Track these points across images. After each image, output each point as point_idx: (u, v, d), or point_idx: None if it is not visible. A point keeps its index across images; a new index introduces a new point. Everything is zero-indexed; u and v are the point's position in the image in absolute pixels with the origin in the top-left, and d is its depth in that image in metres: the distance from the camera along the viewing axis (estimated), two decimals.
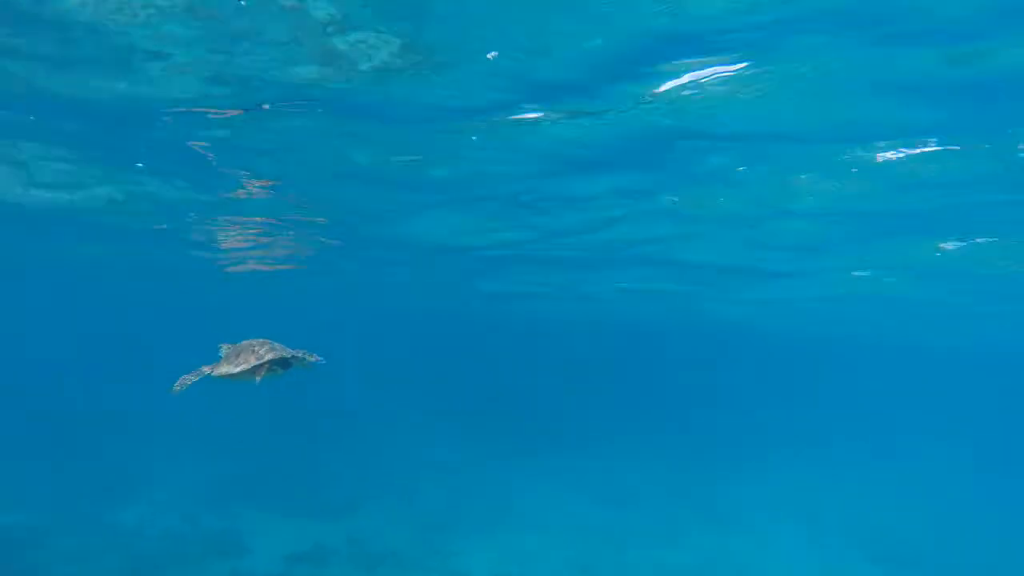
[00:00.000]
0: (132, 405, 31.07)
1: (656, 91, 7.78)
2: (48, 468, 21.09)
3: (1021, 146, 8.71)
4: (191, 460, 22.96)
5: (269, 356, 6.05)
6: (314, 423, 33.54)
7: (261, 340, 6.33)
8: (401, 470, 24.60)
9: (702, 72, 7.29)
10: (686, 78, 7.42)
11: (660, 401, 69.96)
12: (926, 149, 9.03)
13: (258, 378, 6.13)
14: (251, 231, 17.65)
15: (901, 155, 9.30)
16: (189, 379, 6.03)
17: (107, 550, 14.61)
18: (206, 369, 6.16)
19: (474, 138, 9.81)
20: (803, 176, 10.68)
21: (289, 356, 6.15)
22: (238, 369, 6.10)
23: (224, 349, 6.33)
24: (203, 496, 18.48)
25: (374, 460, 25.77)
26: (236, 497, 18.59)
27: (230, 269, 23.59)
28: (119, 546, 14.88)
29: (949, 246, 14.43)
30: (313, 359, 6.28)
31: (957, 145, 8.82)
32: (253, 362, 6.06)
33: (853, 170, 10.08)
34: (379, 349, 62.29)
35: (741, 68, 7.13)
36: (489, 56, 7.15)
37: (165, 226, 17.01)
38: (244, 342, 6.37)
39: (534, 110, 8.70)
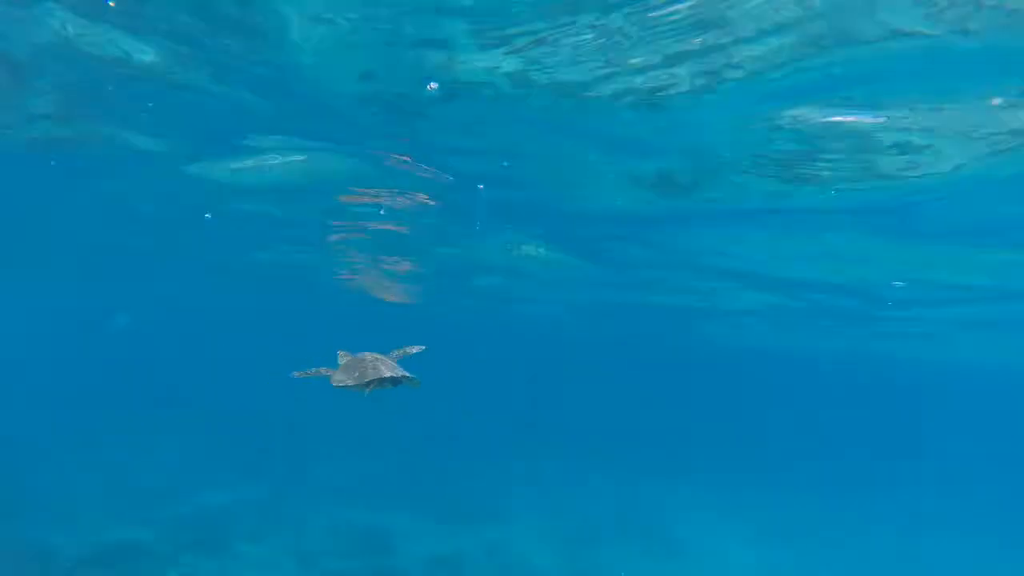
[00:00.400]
0: (300, 409, 34.47)
1: None
2: (240, 459, 23.95)
3: None
4: (348, 460, 24.76)
5: (379, 375, 6.24)
6: (465, 432, 34.69)
7: (375, 355, 6.54)
8: (548, 484, 24.58)
9: None
10: None
11: (826, 437, 63.36)
12: None
13: (367, 391, 6.38)
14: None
15: None
16: (313, 371, 6.50)
17: (279, 535, 16.18)
18: (325, 371, 6.56)
19: None
20: None
21: (399, 376, 6.31)
22: (351, 382, 6.38)
23: (342, 358, 6.68)
24: (359, 493, 19.85)
25: (522, 472, 26.00)
26: (387, 497, 19.70)
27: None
28: (288, 532, 16.41)
29: None
30: (414, 351, 6.64)
31: None
32: (365, 378, 6.29)
33: None
34: (532, 367, 63.15)
35: None
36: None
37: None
38: (361, 355, 6.63)
39: None
